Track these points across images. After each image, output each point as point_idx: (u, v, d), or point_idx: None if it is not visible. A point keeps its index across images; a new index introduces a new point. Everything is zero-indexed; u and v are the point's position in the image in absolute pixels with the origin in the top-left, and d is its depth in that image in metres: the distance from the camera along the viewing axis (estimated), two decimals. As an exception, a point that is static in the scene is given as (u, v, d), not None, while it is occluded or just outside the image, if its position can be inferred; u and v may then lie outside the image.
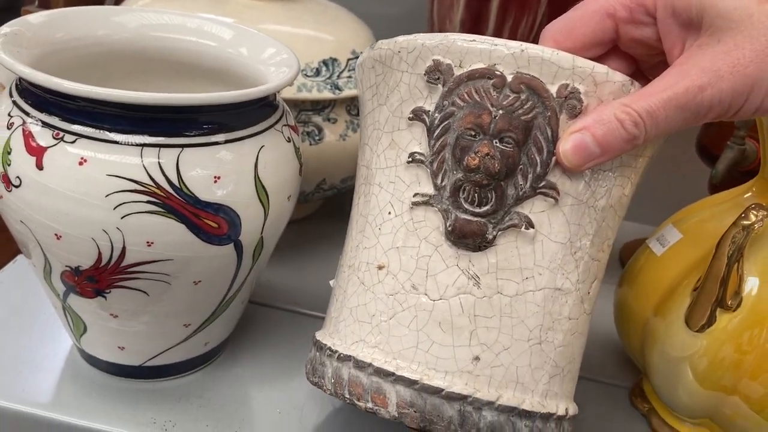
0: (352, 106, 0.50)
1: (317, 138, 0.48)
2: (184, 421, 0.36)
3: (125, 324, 0.34)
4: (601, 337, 0.48)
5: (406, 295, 0.30)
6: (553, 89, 0.28)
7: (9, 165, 0.29)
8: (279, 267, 0.49)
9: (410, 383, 0.29)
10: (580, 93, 0.28)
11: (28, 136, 0.29)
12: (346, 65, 0.50)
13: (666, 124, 0.27)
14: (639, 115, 0.27)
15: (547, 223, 0.29)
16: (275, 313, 0.46)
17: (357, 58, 0.51)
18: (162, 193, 0.29)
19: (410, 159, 0.30)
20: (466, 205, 0.29)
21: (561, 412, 0.31)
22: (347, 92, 0.49)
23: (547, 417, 0.30)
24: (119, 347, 0.35)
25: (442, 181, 0.29)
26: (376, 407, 0.29)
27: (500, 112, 0.28)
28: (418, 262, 0.30)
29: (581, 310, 0.31)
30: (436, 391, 0.29)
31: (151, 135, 0.29)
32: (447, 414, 0.29)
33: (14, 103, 0.30)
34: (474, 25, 0.47)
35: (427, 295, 0.30)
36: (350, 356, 0.30)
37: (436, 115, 0.29)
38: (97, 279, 0.31)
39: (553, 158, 0.28)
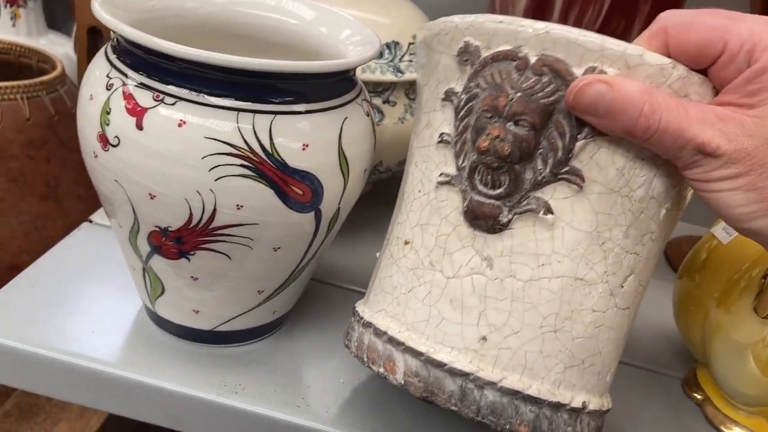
0: (411, 90, 0.51)
1: (377, 120, 0.49)
2: (253, 385, 0.36)
3: (203, 287, 0.34)
4: (653, 329, 0.48)
5: (424, 271, 0.31)
6: (579, 72, 0.27)
7: (108, 125, 0.30)
8: (333, 246, 0.50)
9: (417, 354, 0.30)
10: (610, 75, 0.27)
11: (128, 97, 0.30)
12: (408, 49, 0.51)
13: (668, 146, 0.26)
14: (659, 124, 0.26)
15: (570, 210, 0.28)
16: (330, 289, 0.46)
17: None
18: (255, 158, 0.30)
19: (440, 139, 0.31)
20: (480, 187, 0.29)
21: (576, 404, 0.30)
22: (408, 75, 0.49)
23: (557, 406, 0.30)
24: (194, 311, 0.36)
25: (462, 162, 0.30)
26: (386, 373, 0.31)
27: (518, 94, 0.28)
28: (437, 240, 0.30)
29: (610, 304, 0.30)
30: (440, 365, 0.29)
31: (246, 101, 0.30)
32: (448, 388, 0.29)
33: (112, 64, 0.31)
34: (537, 14, 0.48)
35: (442, 273, 0.30)
36: (371, 323, 0.32)
37: (463, 96, 0.30)
38: (184, 240, 0.32)
39: (577, 143, 0.28)
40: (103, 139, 0.30)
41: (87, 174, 0.64)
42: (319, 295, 0.45)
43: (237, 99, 0.29)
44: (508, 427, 0.29)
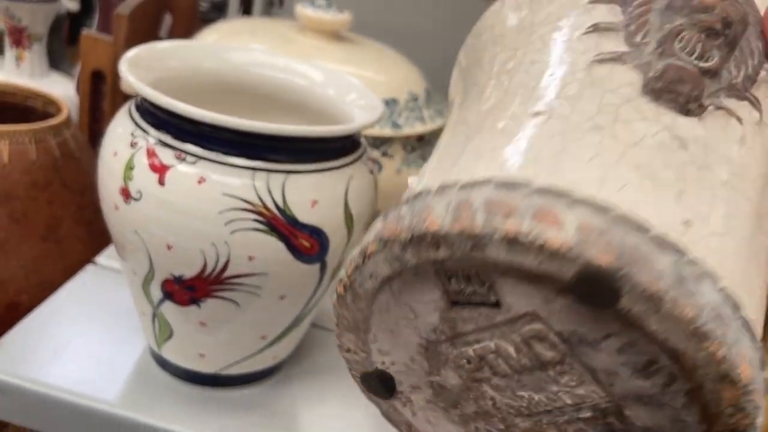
0: (408, 143, 0.54)
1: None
2: (253, 428, 0.38)
3: (211, 332, 0.36)
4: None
5: (584, 134, 0.22)
6: None
7: (131, 180, 0.32)
8: (330, 291, 0.52)
9: (599, 210, 0.20)
10: None
11: (152, 154, 0.32)
12: (405, 105, 0.54)
13: None
14: None
15: None
16: (327, 334, 0.48)
17: (414, 100, 0.55)
18: (268, 213, 0.32)
19: (591, 29, 0.25)
20: (682, 55, 0.23)
21: None
22: (406, 130, 0.52)
23: None
24: (200, 354, 0.38)
25: (643, 38, 0.24)
26: (542, 227, 0.19)
27: None
28: (601, 108, 0.23)
29: None
30: (640, 228, 0.19)
31: (261, 160, 0.32)
32: (657, 265, 0.19)
33: (135, 123, 0.33)
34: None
35: (616, 138, 0.22)
36: (490, 179, 0.21)
37: None
38: (197, 288, 0.34)
39: None
40: (126, 193, 0.32)
41: (87, 216, 0.65)
42: (317, 340, 0.47)
43: (252, 158, 0.32)
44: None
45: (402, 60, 0.59)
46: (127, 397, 0.38)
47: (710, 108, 0.23)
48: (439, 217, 0.21)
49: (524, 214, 0.19)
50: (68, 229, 0.62)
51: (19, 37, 0.83)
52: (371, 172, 0.38)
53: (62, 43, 1.02)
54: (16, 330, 0.41)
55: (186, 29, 0.84)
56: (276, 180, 0.32)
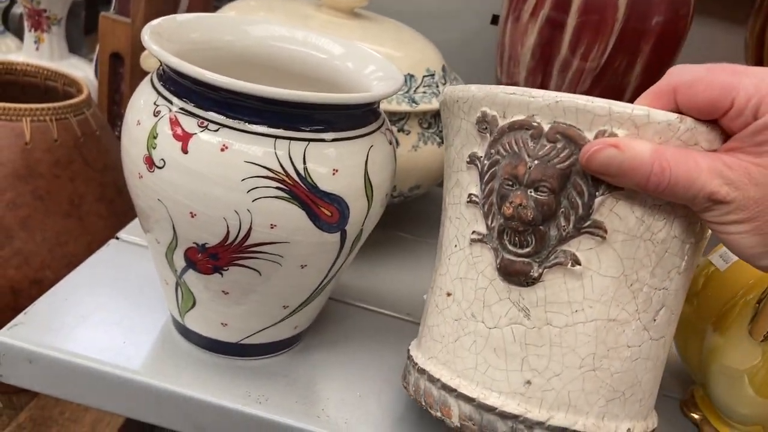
0: (424, 119, 0.54)
1: (392, 147, 0.52)
2: (276, 396, 0.38)
3: (233, 301, 0.37)
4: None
5: (467, 322, 0.33)
6: (590, 135, 0.29)
7: (154, 148, 0.33)
8: (349, 267, 0.52)
9: (469, 400, 0.33)
10: (619, 137, 0.28)
11: (175, 122, 0.32)
12: (422, 81, 0.54)
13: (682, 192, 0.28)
14: (669, 179, 0.28)
15: (596, 259, 0.30)
16: (344, 307, 0.49)
17: (431, 75, 0.55)
18: (290, 181, 0.32)
19: (468, 200, 0.33)
20: (510, 247, 0.31)
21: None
22: (422, 106, 0.52)
23: None
24: (222, 324, 0.38)
25: (491, 222, 0.32)
26: (443, 417, 0.34)
27: (535, 162, 0.30)
28: (476, 293, 0.33)
29: (644, 338, 0.32)
30: (491, 409, 0.32)
31: (282, 128, 0.32)
32: (501, 429, 0.32)
33: (158, 92, 0.34)
34: (545, 50, 0.51)
35: (484, 324, 0.33)
36: (425, 370, 0.35)
37: (486, 162, 0.32)
38: (220, 256, 0.34)
39: (596, 200, 0.30)
40: (149, 162, 0.33)
41: (108, 194, 0.66)
42: (334, 312, 0.48)
43: (274, 127, 0.32)
44: None
45: (419, 37, 0.59)
46: (151, 366, 0.39)
47: (545, 271, 0.31)
48: (411, 390, 0.36)
49: (437, 406, 0.34)
50: (90, 206, 0.63)
51: (38, 19, 0.84)
52: (390, 143, 0.38)
53: (81, 31, 1.03)
54: (41, 301, 0.42)
55: (203, 10, 0.85)
56: (297, 148, 0.32)
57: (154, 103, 0.33)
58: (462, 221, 0.34)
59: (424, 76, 0.54)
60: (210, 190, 0.32)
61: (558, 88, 0.52)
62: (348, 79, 0.40)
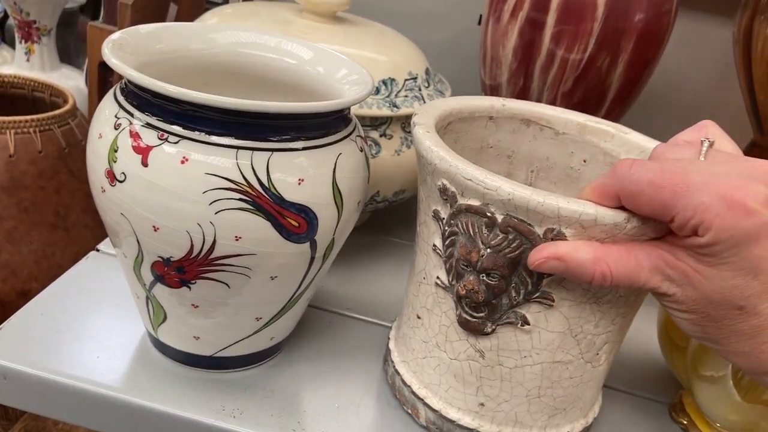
0: (407, 123, 0.53)
1: (374, 153, 0.51)
2: (251, 410, 0.38)
3: (203, 315, 0.36)
4: (642, 355, 0.50)
5: (433, 348, 0.37)
6: (540, 231, 0.30)
7: (115, 162, 0.32)
8: (330, 273, 0.52)
9: (433, 410, 0.38)
10: (566, 236, 0.30)
11: (135, 135, 0.32)
12: (403, 85, 0.53)
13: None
14: (611, 279, 0.29)
15: (544, 319, 0.33)
16: (327, 315, 0.48)
17: (413, 79, 0.54)
18: (253, 192, 0.31)
19: (433, 248, 0.35)
20: (466, 308, 0.34)
21: None
22: (404, 110, 0.51)
23: None
24: (194, 337, 0.38)
25: (452, 280, 0.34)
26: (413, 416, 0.39)
27: (488, 250, 0.32)
28: (440, 328, 0.36)
29: (587, 368, 0.35)
30: (451, 421, 0.37)
31: (243, 139, 0.32)
32: None
33: (120, 105, 0.33)
34: (526, 51, 0.50)
35: (446, 353, 0.36)
36: (399, 372, 0.40)
37: (446, 228, 0.34)
38: (186, 270, 0.33)
39: (545, 279, 0.31)
40: (111, 175, 0.32)
41: (94, 203, 0.66)
42: (316, 321, 0.47)
43: (236, 137, 0.31)
44: None
45: (401, 39, 0.58)
46: (125, 381, 0.38)
47: (498, 326, 0.34)
48: (389, 381, 0.42)
49: (407, 406, 0.40)
50: (77, 216, 0.63)
51: (29, 30, 0.84)
52: (362, 149, 0.37)
53: (77, 39, 1.03)
54: (17, 316, 0.42)
55: (192, 18, 0.84)
56: (260, 158, 0.32)
57: (116, 116, 0.33)
58: (429, 261, 0.36)
59: (405, 80, 0.53)
60: (171, 203, 0.31)
61: (540, 90, 0.51)
62: (319, 83, 0.40)
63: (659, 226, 0.29)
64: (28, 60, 0.86)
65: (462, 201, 0.32)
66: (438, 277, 0.35)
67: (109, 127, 0.33)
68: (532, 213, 0.30)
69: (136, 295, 0.38)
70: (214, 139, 0.31)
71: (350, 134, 0.36)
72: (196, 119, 0.31)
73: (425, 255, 0.36)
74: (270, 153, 0.32)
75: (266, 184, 0.32)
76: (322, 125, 0.34)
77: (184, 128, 0.31)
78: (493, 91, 0.54)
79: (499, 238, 0.31)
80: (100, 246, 0.50)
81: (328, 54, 0.40)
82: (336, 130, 0.35)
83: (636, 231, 0.29)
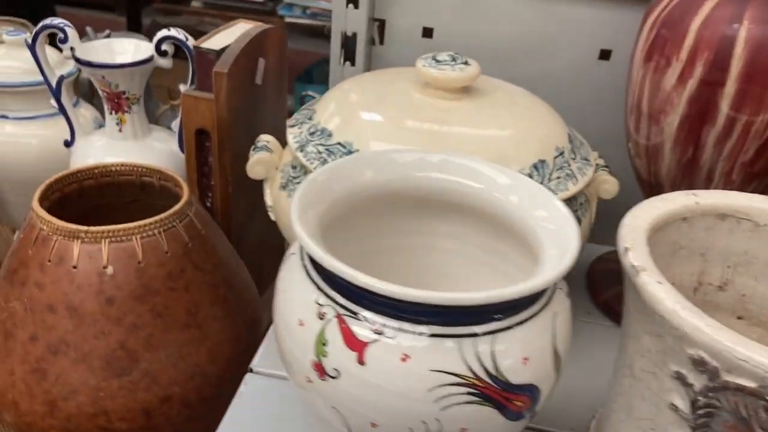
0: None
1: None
2: None
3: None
4: None
5: None
6: None
7: (325, 356, 0.30)
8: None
9: None
10: None
11: (346, 329, 0.29)
12: (553, 165, 0.49)
13: None
14: None
15: None
16: None
17: (561, 155, 0.50)
18: (481, 384, 0.29)
19: (670, 405, 0.30)
20: None
21: None
22: (559, 195, 0.47)
23: None
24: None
25: None
26: None
27: None
28: None
29: None
30: None
31: (464, 326, 0.28)
32: None
33: (318, 287, 0.31)
34: (698, 122, 0.45)
35: None
36: None
37: (700, 398, 0.29)
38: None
39: None
40: (320, 369, 0.30)
41: (221, 293, 0.64)
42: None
43: (455, 326, 0.28)
44: None
45: (536, 103, 0.54)
46: None
47: None
48: None
49: None
50: (206, 311, 0.61)
51: (118, 102, 0.83)
52: (567, 294, 0.34)
53: (150, 92, 1.02)
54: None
55: (280, 69, 0.81)
56: (484, 345, 0.29)
57: (317, 302, 0.30)
58: (660, 414, 0.32)
59: (554, 158, 0.49)
60: (393, 401, 0.29)
61: (713, 160, 0.46)
62: (513, 216, 0.36)
63: None
64: (120, 130, 0.85)
65: (728, 378, 0.28)
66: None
67: (311, 314, 0.30)
68: None
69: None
70: (435, 329, 0.28)
71: (557, 283, 0.33)
72: (411, 311, 0.28)
73: (654, 406, 0.32)
74: (492, 336, 0.29)
75: (493, 373, 0.29)
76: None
77: (397, 319, 0.28)
78: (649, 153, 0.49)
79: None
80: (253, 365, 0.48)
81: (529, 186, 0.36)
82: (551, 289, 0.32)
83: None
